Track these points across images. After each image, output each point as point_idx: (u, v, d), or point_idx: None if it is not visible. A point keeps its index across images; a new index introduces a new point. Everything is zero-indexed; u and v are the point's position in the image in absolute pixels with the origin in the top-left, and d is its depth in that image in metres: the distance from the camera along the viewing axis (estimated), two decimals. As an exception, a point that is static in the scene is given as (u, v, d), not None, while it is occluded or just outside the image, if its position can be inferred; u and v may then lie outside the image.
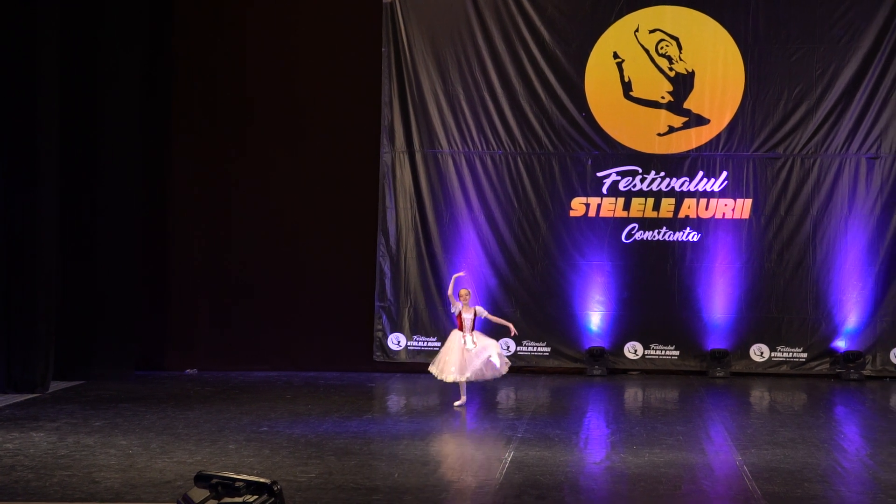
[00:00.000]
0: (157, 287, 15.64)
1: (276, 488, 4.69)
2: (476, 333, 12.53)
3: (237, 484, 4.71)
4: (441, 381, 12.47)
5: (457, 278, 12.81)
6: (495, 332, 13.29)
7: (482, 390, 14.26)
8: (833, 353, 15.27)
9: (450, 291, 12.68)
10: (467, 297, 12.60)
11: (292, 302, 15.66)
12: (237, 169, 15.74)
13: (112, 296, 14.65)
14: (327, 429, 11.32)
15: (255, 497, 4.66)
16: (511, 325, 12.78)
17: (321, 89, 15.67)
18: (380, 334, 15.73)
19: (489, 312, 12.96)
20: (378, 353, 15.74)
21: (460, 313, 12.53)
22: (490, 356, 12.41)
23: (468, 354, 12.36)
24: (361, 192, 15.74)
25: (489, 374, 12.54)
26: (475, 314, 12.58)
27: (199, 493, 4.74)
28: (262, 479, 4.72)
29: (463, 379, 12.41)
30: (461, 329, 12.51)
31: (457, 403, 12.64)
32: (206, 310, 15.73)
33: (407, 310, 15.71)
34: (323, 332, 15.63)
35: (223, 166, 15.75)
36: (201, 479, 4.76)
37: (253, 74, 15.72)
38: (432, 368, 12.61)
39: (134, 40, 14.81)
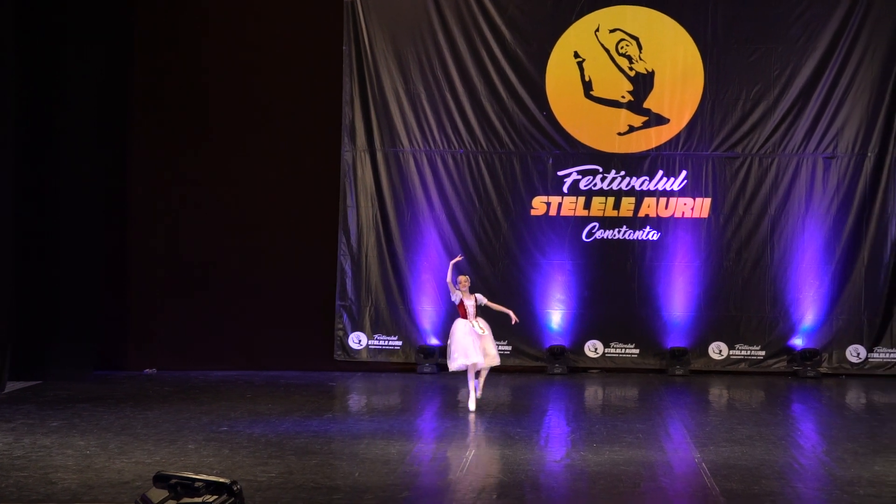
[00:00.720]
0: (117, 286, 15.51)
1: (235, 488, 4.68)
2: (480, 319, 12.35)
3: (196, 484, 4.69)
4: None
5: (454, 263, 12.62)
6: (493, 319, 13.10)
7: (443, 389, 14.28)
8: (790, 350, 15.42)
9: (448, 278, 12.45)
10: (466, 283, 12.40)
11: (253, 301, 15.59)
12: (198, 168, 15.64)
13: (70, 295, 14.52)
14: (288, 428, 11.28)
15: (215, 497, 4.65)
16: (511, 312, 12.54)
17: (282, 88, 15.61)
18: (341, 333, 15.70)
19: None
20: (339, 352, 15.71)
21: (462, 301, 12.33)
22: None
23: (483, 339, 12.18)
24: (322, 190, 15.70)
25: (488, 364, 12.39)
26: (476, 301, 12.38)
27: (157, 494, 4.72)
28: (221, 479, 4.71)
29: (487, 363, 12.21)
30: (465, 317, 12.31)
31: (471, 406, 12.23)
32: (165, 309, 15.62)
33: (368, 309, 15.69)
34: (284, 331, 15.57)
35: (184, 165, 15.65)
36: (160, 480, 4.75)
37: (213, 72, 15.62)
38: (451, 364, 12.29)
39: (93, 38, 14.70)
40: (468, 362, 12.18)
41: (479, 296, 12.50)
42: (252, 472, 9.25)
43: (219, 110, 15.64)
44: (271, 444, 10.41)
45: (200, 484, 4.68)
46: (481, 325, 12.28)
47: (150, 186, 15.62)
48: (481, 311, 12.53)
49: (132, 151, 15.61)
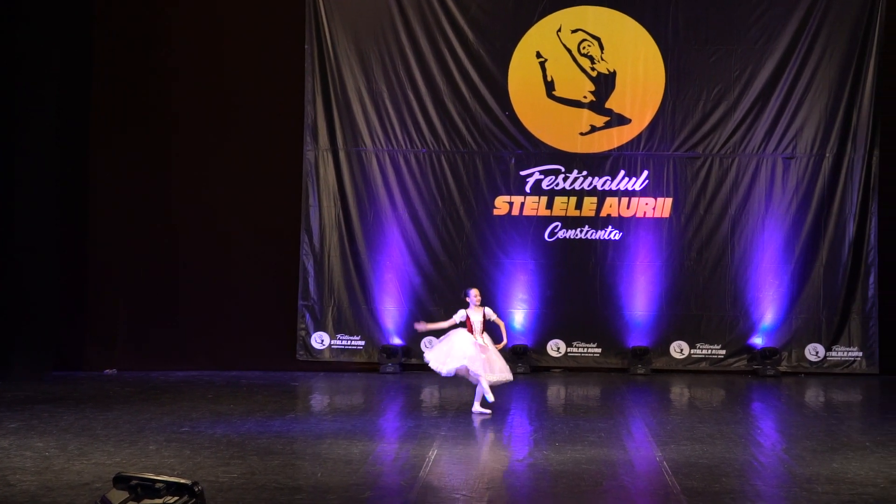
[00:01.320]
0: (76, 285, 15.39)
1: (196, 489, 4.65)
2: (486, 336, 11.81)
3: (157, 485, 4.67)
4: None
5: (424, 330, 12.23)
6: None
7: (406, 389, 14.27)
8: (750, 349, 15.55)
9: (441, 326, 11.98)
10: (478, 296, 11.85)
11: (214, 300, 15.52)
12: (160, 167, 15.56)
13: (29, 295, 14.38)
14: (250, 428, 11.23)
15: (176, 498, 4.62)
16: (505, 336, 12.06)
17: (244, 87, 15.56)
18: (303, 333, 15.66)
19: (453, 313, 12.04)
20: (301, 352, 15.67)
21: (468, 317, 11.81)
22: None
23: (487, 352, 11.66)
24: (285, 190, 15.66)
25: (499, 380, 11.83)
26: (484, 316, 11.85)
27: (117, 495, 4.69)
28: (182, 480, 4.69)
29: (498, 378, 11.71)
30: (470, 331, 11.76)
31: (486, 410, 11.81)
32: (126, 309, 15.52)
33: (331, 308, 15.66)
34: (246, 330, 15.51)
35: (144, 165, 15.56)
36: (120, 481, 4.71)
37: (175, 72, 15.55)
38: (442, 367, 11.69)
39: (53, 42, 14.57)
40: (459, 364, 11.65)
41: (487, 310, 11.99)
42: (214, 472, 9.20)
43: (180, 111, 15.56)
44: (233, 445, 10.36)
45: (161, 485, 4.65)
46: (485, 340, 11.78)
47: (110, 187, 15.50)
48: (487, 326, 11.99)
49: (92, 152, 15.50)
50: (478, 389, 11.93)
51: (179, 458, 9.74)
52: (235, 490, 8.63)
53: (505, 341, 12.19)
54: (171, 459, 9.71)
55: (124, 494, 4.66)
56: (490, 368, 11.72)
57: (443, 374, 11.94)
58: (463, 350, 11.68)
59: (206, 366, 15.34)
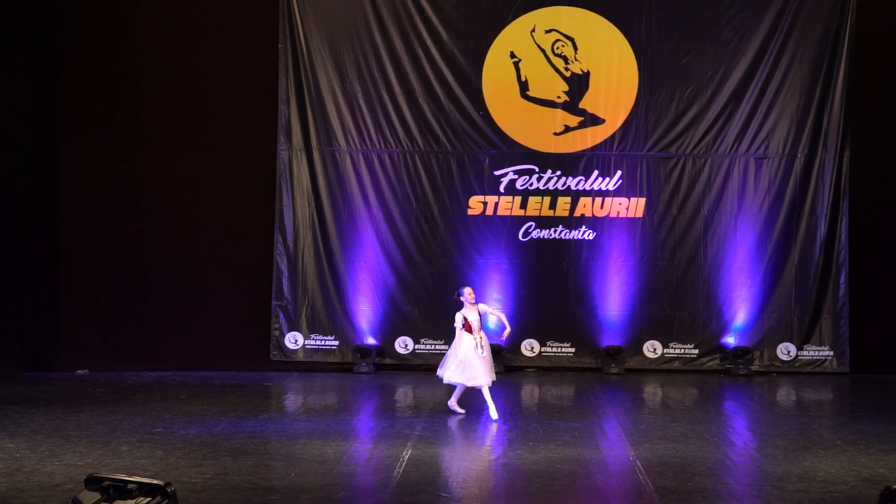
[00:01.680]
0: (48, 286, 15.28)
1: (169, 490, 4.64)
2: (483, 336, 11.81)
3: (129, 486, 4.65)
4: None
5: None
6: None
7: (380, 389, 14.26)
8: (723, 349, 15.63)
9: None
10: (472, 295, 11.86)
11: (188, 300, 15.46)
12: (132, 166, 15.47)
13: (-1, 295, 14.28)
14: (223, 429, 11.20)
15: (148, 499, 4.61)
16: (507, 324, 12.19)
17: (218, 86, 15.50)
18: (277, 333, 15.62)
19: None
20: (275, 352, 15.63)
21: (465, 319, 11.80)
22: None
23: (481, 361, 11.68)
24: (259, 189, 15.61)
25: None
26: (479, 313, 11.90)
27: (89, 497, 4.66)
28: (155, 481, 4.67)
29: (470, 384, 11.76)
30: (469, 331, 11.77)
31: (460, 410, 11.97)
32: (98, 309, 15.43)
33: (304, 308, 15.63)
34: (219, 330, 15.46)
35: (117, 165, 15.46)
36: (92, 482, 4.69)
37: (148, 71, 15.47)
38: (447, 376, 11.79)
39: (23, 40, 14.46)
40: (471, 384, 11.75)
41: (481, 305, 12.08)
42: (187, 473, 9.17)
43: (154, 110, 15.48)
44: (206, 445, 10.32)
45: (133, 486, 4.63)
46: (482, 345, 11.76)
47: (81, 187, 15.41)
48: (483, 319, 12.08)
49: (63, 153, 15.39)
50: (458, 387, 11.93)
51: (152, 459, 9.70)
52: (208, 491, 8.60)
53: (509, 329, 12.30)
54: (143, 460, 9.67)
55: (96, 495, 4.63)
56: (482, 375, 11.73)
57: (445, 380, 11.95)
58: (471, 366, 11.68)
59: (179, 366, 15.27)
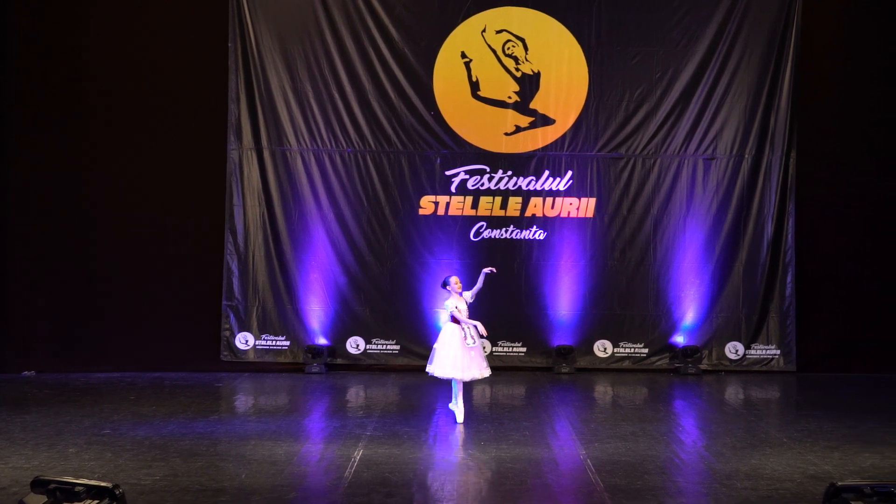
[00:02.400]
0: (-7, 286, 15.09)
1: (117, 492, 4.60)
2: (471, 327, 11.50)
3: (77, 489, 4.60)
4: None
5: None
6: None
7: (332, 389, 14.23)
8: (672, 348, 15.76)
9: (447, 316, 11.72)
10: (458, 284, 11.65)
11: (137, 300, 15.32)
12: (80, 166, 15.31)
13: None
14: (173, 430, 11.11)
15: (96, 502, 4.57)
16: (488, 270, 11.79)
17: (168, 85, 15.38)
18: (227, 333, 15.53)
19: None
20: (225, 353, 15.54)
21: (456, 307, 11.59)
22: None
23: (471, 353, 11.50)
24: (208, 189, 15.51)
25: (480, 377, 11.71)
26: (465, 301, 11.63)
27: (35, 500, 4.61)
28: (103, 483, 4.63)
29: (467, 378, 11.62)
30: (457, 322, 11.56)
31: (459, 417, 11.70)
32: (45, 309, 15.25)
33: (255, 309, 15.55)
34: (169, 331, 15.34)
35: (65, 164, 15.30)
36: (38, 485, 4.64)
37: (97, 70, 15.32)
38: (438, 371, 11.57)
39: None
40: (462, 378, 11.58)
41: (466, 294, 11.78)
42: (136, 475, 9.09)
43: (102, 109, 15.34)
44: (155, 447, 10.24)
45: (81, 488, 4.59)
46: (472, 335, 11.55)
47: (28, 187, 15.22)
48: (472, 307, 11.83)
49: (10, 152, 15.19)
50: (456, 383, 11.69)
51: (100, 461, 9.61)
52: (158, 492, 8.54)
53: (492, 269, 11.92)
54: (91, 462, 9.58)
55: (42, 498, 4.59)
56: (475, 367, 11.59)
57: (436, 375, 11.72)
58: (461, 360, 11.50)
59: (127, 367, 15.14)
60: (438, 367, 11.60)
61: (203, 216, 15.53)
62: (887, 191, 15.69)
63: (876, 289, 15.71)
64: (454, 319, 11.62)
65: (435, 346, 11.80)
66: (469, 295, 11.76)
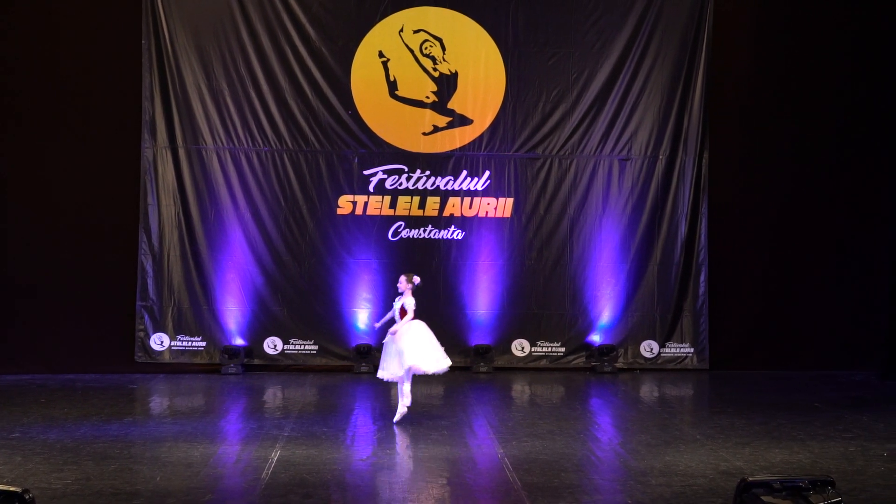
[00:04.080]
0: None
1: (27, 497, 4.52)
2: (399, 323, 11.53)
3: (-15, 494, 4.50)
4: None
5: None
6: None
7: (248, 390, 14.12)
8: (589, 346, 15.93)
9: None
10: (406, 283, 11.70)
11: (49, 301, 15.05)
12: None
13: None
14: (85, 433, 10.93)
15: (5, 507, 4.47)
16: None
17: (80, 82, 15.14)
18: (142, 334, 15.32)
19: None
20: (140, 354, 15.33)
21: (402, 306, 11.62)
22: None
23: (387, 349, 11.53)
24: (122, 188, 15.30)
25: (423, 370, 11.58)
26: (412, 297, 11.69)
27: (-59, 506, 4.50)
28: (11, 488, 4.54)
29: (386, 377, 11.57)
30: (402, 318, 11.60)
31: (398, 415, 11.55)
32: (-49, 311, 14.90)
33: (170, 309, 15.36)
34: (81, 332, 15.09)
35: (-29, 160, 14.97)
36: (-56, 491, 4.53)
37: (12, 66, 15.02)
38: (422, 366, 11.56)
39: None
40: (439, 368, 11.64)
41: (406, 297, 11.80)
42: (46, 479, 8.93)
43: (15, 108, 15.05)
44: (67, 450, 10.07)
45: (-11, 494, 4.49)
46: (392, 331, 11.60)
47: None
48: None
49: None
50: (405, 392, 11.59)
51: (9, 465, 9.42)
52: (69, 497, 8.40)
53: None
54: (0, 467, 9.38)
55: (-51, 505, 4.48)
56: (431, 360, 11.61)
57: (425, 371, 11.66)
58: (429, 353, 11.56)
59: (38, 369, 14.85)
60: (420, 362, 11.51)
61: (117, 216, 15.30)
62: (795, 192, 16.03)
63: (784, 288, 16.03)
64: (402, 315, 11.55)
65: (397, 346, 11.53)
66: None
